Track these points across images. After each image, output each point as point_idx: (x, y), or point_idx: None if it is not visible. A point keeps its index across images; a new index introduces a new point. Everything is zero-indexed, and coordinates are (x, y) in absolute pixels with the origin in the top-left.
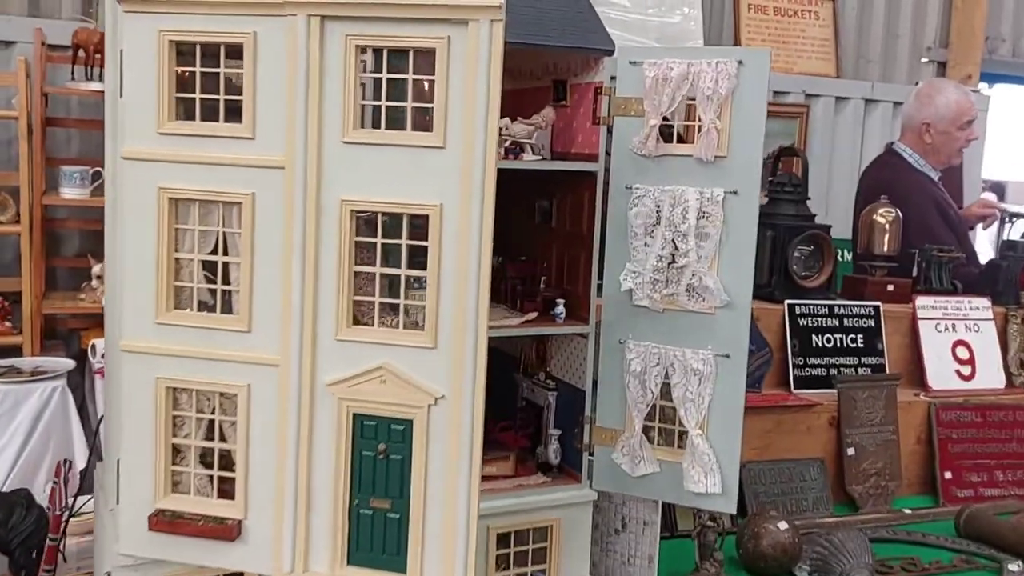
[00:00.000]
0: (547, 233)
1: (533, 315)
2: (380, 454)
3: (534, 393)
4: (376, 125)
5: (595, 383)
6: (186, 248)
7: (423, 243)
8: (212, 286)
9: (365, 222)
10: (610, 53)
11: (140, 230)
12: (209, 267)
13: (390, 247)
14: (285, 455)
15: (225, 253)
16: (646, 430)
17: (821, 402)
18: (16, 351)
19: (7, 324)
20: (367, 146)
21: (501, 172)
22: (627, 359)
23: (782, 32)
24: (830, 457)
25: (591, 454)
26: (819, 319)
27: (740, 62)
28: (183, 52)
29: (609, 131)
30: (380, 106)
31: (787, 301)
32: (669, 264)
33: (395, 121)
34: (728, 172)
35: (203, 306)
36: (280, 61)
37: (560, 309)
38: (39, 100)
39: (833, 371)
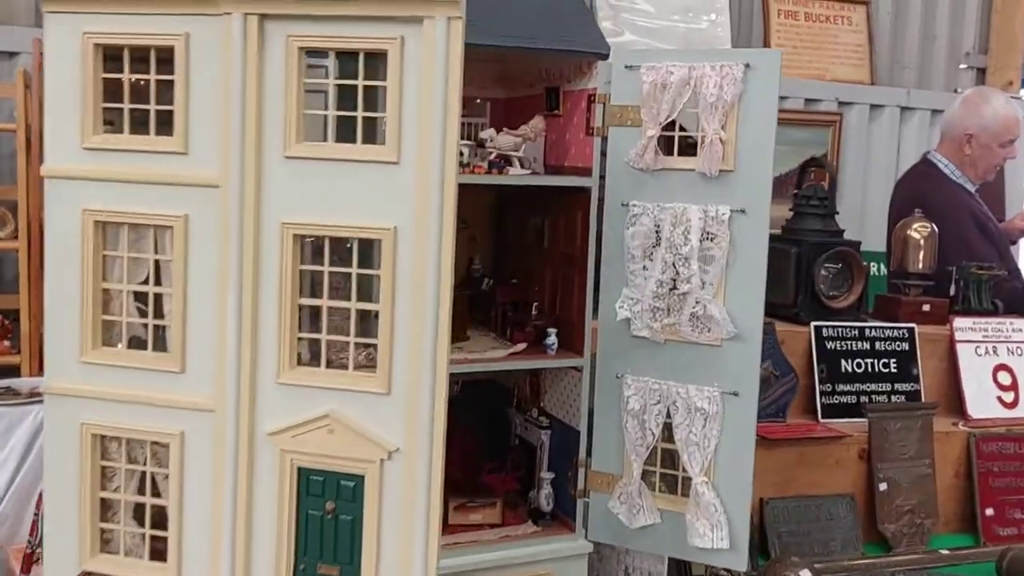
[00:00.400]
0: (540, 254)
1: (521, 346)
2: (328, 513)
3: (527, 431)
4: (322, 138)
5: (592, 421)
6: (115, 278)
7: (375, 272)
8: (143, 320)
9: (311, 248)
10: (604, 56)
11: (64, 257)
12: (142, 299)
13: (339, 277)
14: (221, 513)
15: (159, 283)
16: (646, 475)
17: (850, 433)
18: (14, 371)
19: (6, 343)
20: (312, 162)
21: (489, 188)
22: (624, 396)
23: (814, 38)
24: (860, 493)
25: (586, 501)
26: (848, 342)
27: (747, 65)
28: (111, 57)
29: (605, 142)
30: (326, 117)
31: (813, 323)
32: (670, 290)
33: (344, 134)
34: (735, 188)
35: (136, 343)
36: (216, 66)
37: (552, 340)
38: (38, 112)
39: (864, 399)
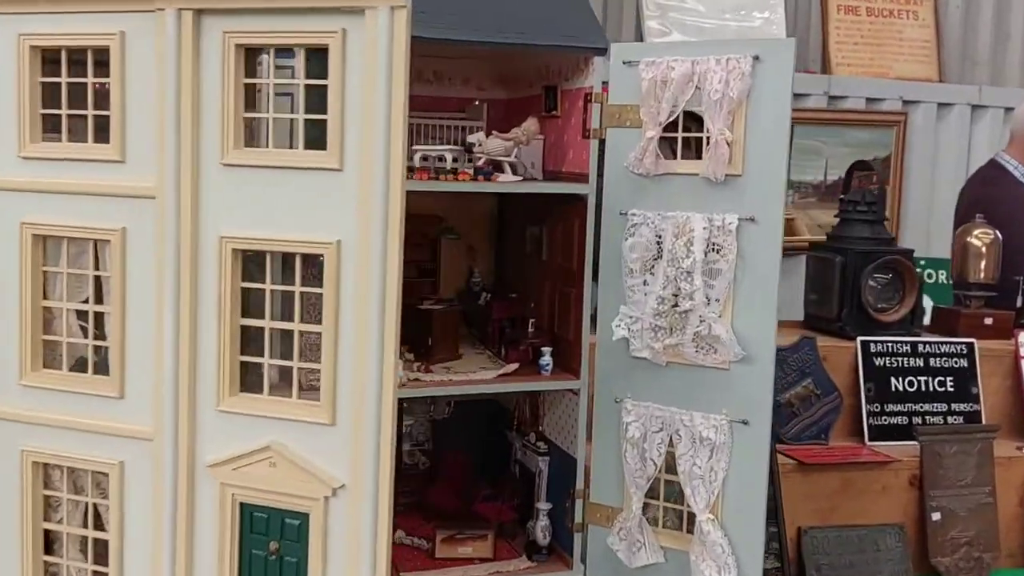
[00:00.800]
0: (539, 266)
1: (512, 367)
2: (272, 554)
3: (526, 456)
4: (263, 143)
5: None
6: (56, 295)
7: (319, 290)
8: (85, 341)
9: (253, 263)
10: (601, 52)
11: (1, 274)
12: (87, 318)
13: (282, 295)
14: (161, 550)
15: (101, 301)
16: (648, 509)
17: (900, 457)
18: None
19: None
20: (251, 169)
21: (489, 196)
22: (624, 422)
23: (876, 34)
24: (911, 523)
25: (585, 535)
26: (900, 359)
27: (756, 57)
28: (49, 60)
29: (604, 145)
30: (266, 120)
31: (860, 338)
32: (672, 307)
33: (284, 138)
34: (743, 194)
35: (81, 364)
36: (153, 67)
37: (546, 359)
38: None
39: (916, 420)
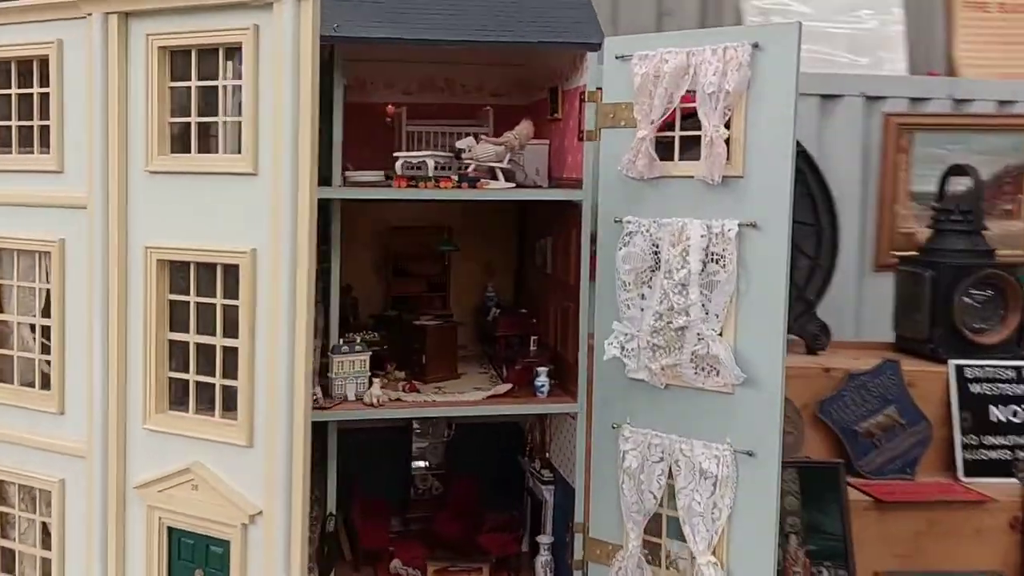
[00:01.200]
0: (544, 280)
1: (503, 388)
2: None
3: (536, 483)
4: (187, 149)
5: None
6: (9, 308)
7: (236, 302)
8: (30, 355)
9: (181, 275)
10: (593, 47)
11: None
12: (44, 333)
13: (205, 308)
14: (92, 574)
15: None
16: (651, 547)
17: (998, 497)
18: None
19: None
20: (174, 176)
21: (511, 206)
22: (621, 450)
23: (1008, 31)
24: (1011, 570)
25: (584, 574)
26: (1000, 385)
27: (755, 45)
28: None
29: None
30: (189, 124)
31: (953, 361)
32: (668, 324)
33: (208, 143)
34: (745, 198)
35: (31, 379)
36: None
37: (542, 380)
38: None
39: (1021, 455)
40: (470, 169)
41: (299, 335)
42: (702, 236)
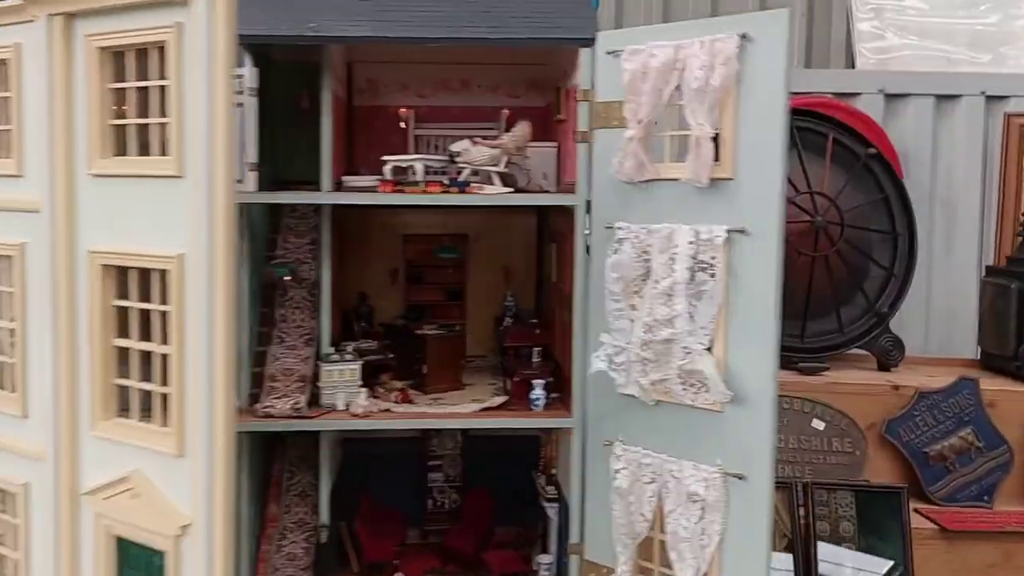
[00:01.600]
0: (551, 288)
1: (498, 400)
2: None
3: (544, 500)
4: (125, 152)
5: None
6: None
7: (168, 308)
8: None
9: (123, 280)
10: (585, 43)
11: None
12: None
13: (146, 314)
14: None
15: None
16: (642, 571)
17: None
18: None
19: None
20: (115, 180)
21: (531, 212)
22: (612, 469)
23: None
24: None
25: None
26: None
27: (743, 36)
28: None
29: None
30: (125, 126)
31: None
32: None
33: (145, 146)
34: (734, 201)
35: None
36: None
37: (537, 393)
38: None
39: None
40: (465, 173)
41: (217, 341)
42: (690, 243)
